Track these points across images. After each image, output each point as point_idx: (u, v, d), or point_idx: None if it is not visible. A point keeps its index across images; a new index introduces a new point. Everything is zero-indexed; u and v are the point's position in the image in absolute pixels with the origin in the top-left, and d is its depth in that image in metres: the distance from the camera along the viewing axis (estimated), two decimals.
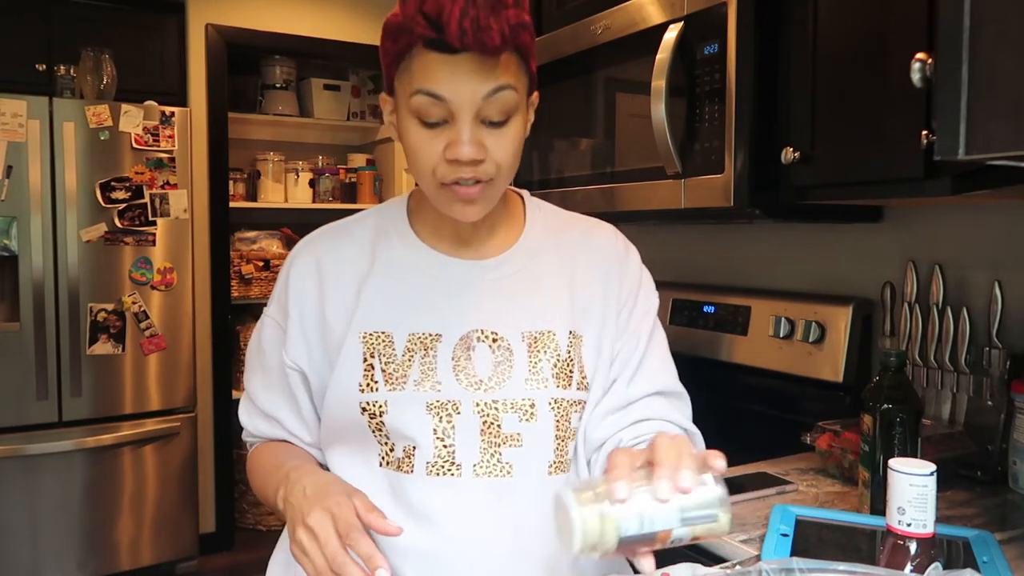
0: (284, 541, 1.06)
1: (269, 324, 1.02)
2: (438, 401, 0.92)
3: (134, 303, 2.98)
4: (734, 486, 1.33)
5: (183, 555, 3.15)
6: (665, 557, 1.11)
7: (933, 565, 0.86)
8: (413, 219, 1.01)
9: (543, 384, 0.94)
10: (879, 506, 1.14)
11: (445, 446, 0.91)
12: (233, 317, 3.54)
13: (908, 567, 0.91)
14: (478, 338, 0.94)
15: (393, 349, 0.94)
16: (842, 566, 0.77)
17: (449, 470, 0.91)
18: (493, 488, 0.92)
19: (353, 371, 0.94)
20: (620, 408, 0.99)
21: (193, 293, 3.13)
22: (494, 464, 0.92)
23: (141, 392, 3.03)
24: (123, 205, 2.94)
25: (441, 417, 0.92)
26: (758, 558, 1.06)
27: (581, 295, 1.00)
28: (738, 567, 0.81)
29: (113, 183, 2.92)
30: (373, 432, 0.93)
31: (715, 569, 0.83)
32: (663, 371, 1.04)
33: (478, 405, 0.92)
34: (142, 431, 3.02)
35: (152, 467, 3.05)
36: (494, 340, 0.95)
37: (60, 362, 2.86)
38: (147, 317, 3.01)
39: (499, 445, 0.92)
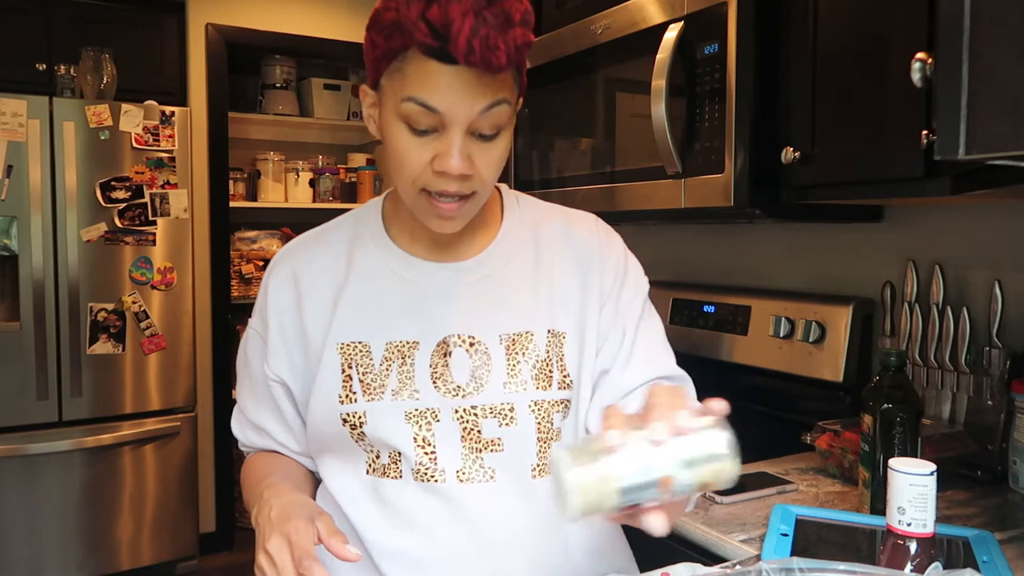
0: None
1: (252, 336, 1.02)
2: (416, 410, 0.91)
3: (134, 303, 2.98)
4: (734, 486, 1.33)
5: (183, 555, 3.15)
6: (665, 557, 1.12)
7: (933, 565, 0.86)
8: (388, 223, 1.00)
9: (522, 387, 0.93)
10: (879, 506, 1.14)
11: (427, 453, 0.91)
12: (233, 317, 3.54)
13: (908, 567, 0.91)
14: (455, 343, 0.93)
15: (370, 359, 0.93)
16: (842, 566, 0.77)
17: (434, 476, 0.91)
18: (478, 494, 0.91)
19: (332, 382, 0.93)
20: (616, 400, 0.97)
21: (193, 293, 3.13)
22: (476, 470, 0.91)
23: (141, 392, 3.03)
24: (123, 205, 2.94)
25: (420, 425, 0.91)
26: (758, 558, 1.06)
27: (559, 290, 0.98)
28: (738, 567, 0.81)
29: (113, 183, 2.92)
30: (356, 441, 0.93)
31: (715, 569, 0.83)
32: (658, 356, 1.01)
33: (457, 412, 0.92)
34: (142, 431, 3.01)
35: (152, 467, 3.05)
36: (471, 344, 0.94)
37: (60, 362, 2.86)
38: (147, 317, 3.01)
39: (480, 451, 0.92)
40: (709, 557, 1.16)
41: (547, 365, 0.94)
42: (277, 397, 1.00)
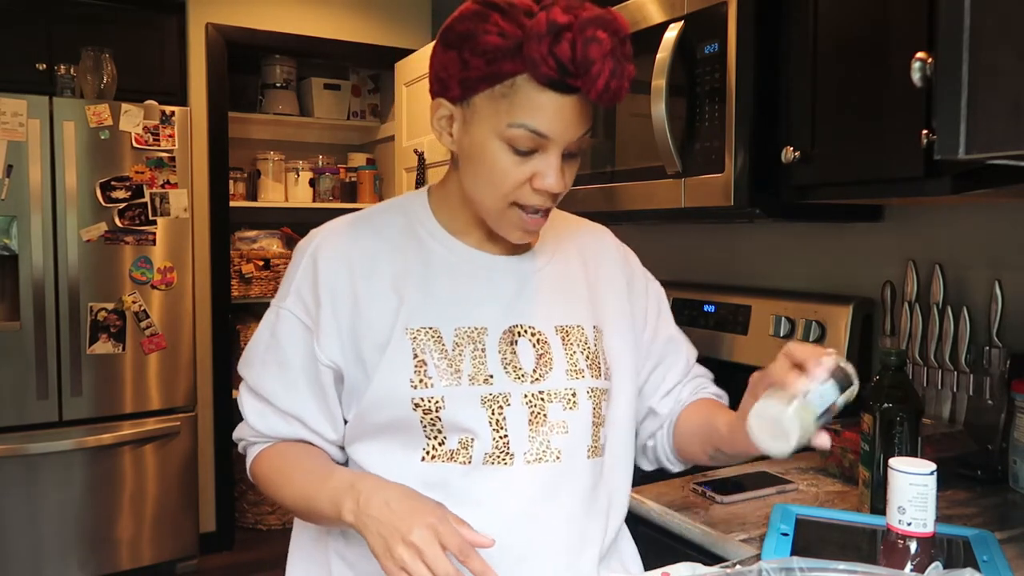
0: (299, 538, 1.07)
1: (287, 318, 0.98)
2: (491, 394, 0.94)
3: (134, 302, 2.98)
4: (734, 485, 1.33)
5: (183, 554, 3.15)
6: (665, 557, 1.12)
7: (933, 564, 0.86)
8: (438, 216, 1.02)
9: (580, 375, 0.99)
10: (879, 505, 1.14)
11: (501, 437, 0.94)
12: (233, 316, 3.54)
13: (908, 566, 0.91)
14: (519, 332, 0.98)
15: (443, 344, 0.94)
16: (842, 565, 0.77)
17: (503, 459, 0.94)
18: (543, 474, 0.95)
19: (402, 368, 0.93)
20: (681, 382, 1.14)
21: (193, 292, 3.13)
22: (544, 451, 0.95)
23: (141, 391, 3.02)
24: (123, 204, 2.94)
25: (493, 410, 0.94)
26: (758, 557, 1.07)
27: (596, 294, 1.07)
28: (738, 566, 0.81)
29: (113, 182, 2.92)
30: (425, 427, 0.93)
31: (715, 568, 0.83)
32: (691, 346, 1.19)
33: (526, 396, 0.95)
34: (142, 430, 3.01)
35: (152, 466, 3.05)
36: (532, 334, 0.98)
37: (60, 361, 2.86)
38: (147, 316, 3.01)
39: (548, 433, 0.96)
40: (709, 557, 1.16)
41: (596, 357, 1.02)
42: (325, 383, 0.97)
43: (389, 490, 0.87)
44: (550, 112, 0.85)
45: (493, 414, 0.93)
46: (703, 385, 1.16)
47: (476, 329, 0.96)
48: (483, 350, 0.95)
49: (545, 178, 0.88)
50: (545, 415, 0.96)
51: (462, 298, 0.97)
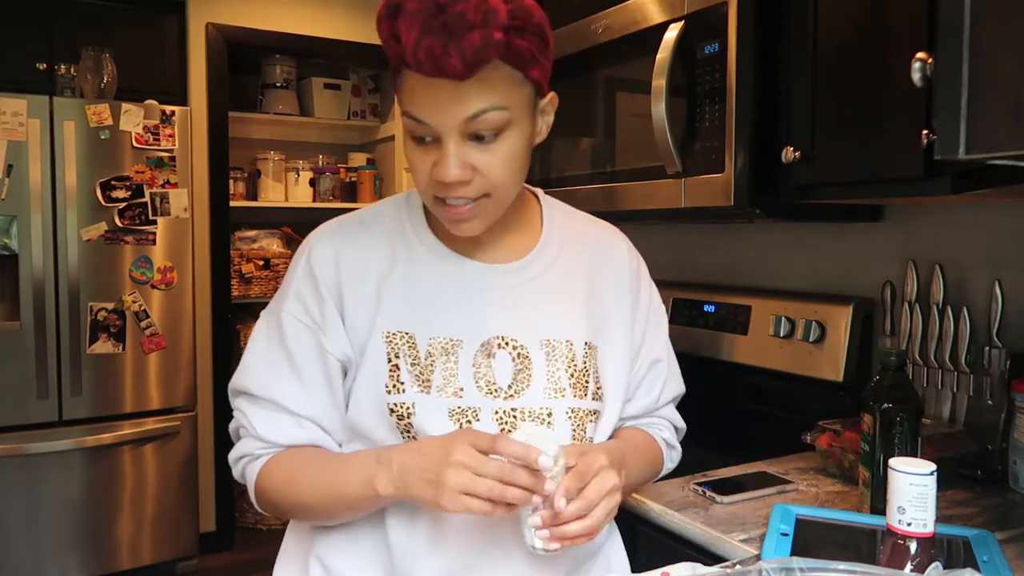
0: (288, 542, 1.06)
1: (292, 323, 0.95)
2: (459, 407, 0.91)
3: (134, 302, 2.98)
4: (735, 485, 1.33)
5: (183, 554, 3.15)
6: (665, 557, 1.12)
7: (933, 565, 0.86)
8: (431, 218, 1.00)
9: (560, 393, 0.94)
10: (879, 505, 1.14)
11: None
12: (233, 316, 3.54)
13: (908, 567, 0.91)
14: (498, 345, 0.94)
15: (416, 351, 0.92)
16: (842, 565, 0.77)
17: None
18: None
19: (379, 371, 0.92)
20: (644, 415, 1.08)
21: (193, 292, 3.14)
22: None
23: (141, 391, 3.03)
24: (123, 204, 2.94)
25: (461, 423, 0.91)
26: (758, 557, 1.06)
27: (597, 308, 1.01)
28: (738, 567, 0.81)
29: (113, 182, 2.92)
30: (401, 432, 0.92)
31: (715, 568, 0.83)
32: (678, 379, 1.14)
33: (496, 412, 0.92)
34: (142, 430, 3.02)
35: (152, 466, 3.05)
36: (513, 347, 0.95)
37: (60, 361, 2.86)
38: (147, 316, 3.01)
39: None
40: (709, 557, 1.16)
41: (584, 375, 0.97)
42: (334, 379, 0.95)
43: (412, 444, 0.87)
44: (423, 96, 0.82)
45: (460, 428, 0.90)
46: (655, 426, 1.11)
47: (451, 340, 0.93)
48: (455, 362, 0.92)
49: (440, 167, 0.84)
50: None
51: (442, 306, 0.94)
